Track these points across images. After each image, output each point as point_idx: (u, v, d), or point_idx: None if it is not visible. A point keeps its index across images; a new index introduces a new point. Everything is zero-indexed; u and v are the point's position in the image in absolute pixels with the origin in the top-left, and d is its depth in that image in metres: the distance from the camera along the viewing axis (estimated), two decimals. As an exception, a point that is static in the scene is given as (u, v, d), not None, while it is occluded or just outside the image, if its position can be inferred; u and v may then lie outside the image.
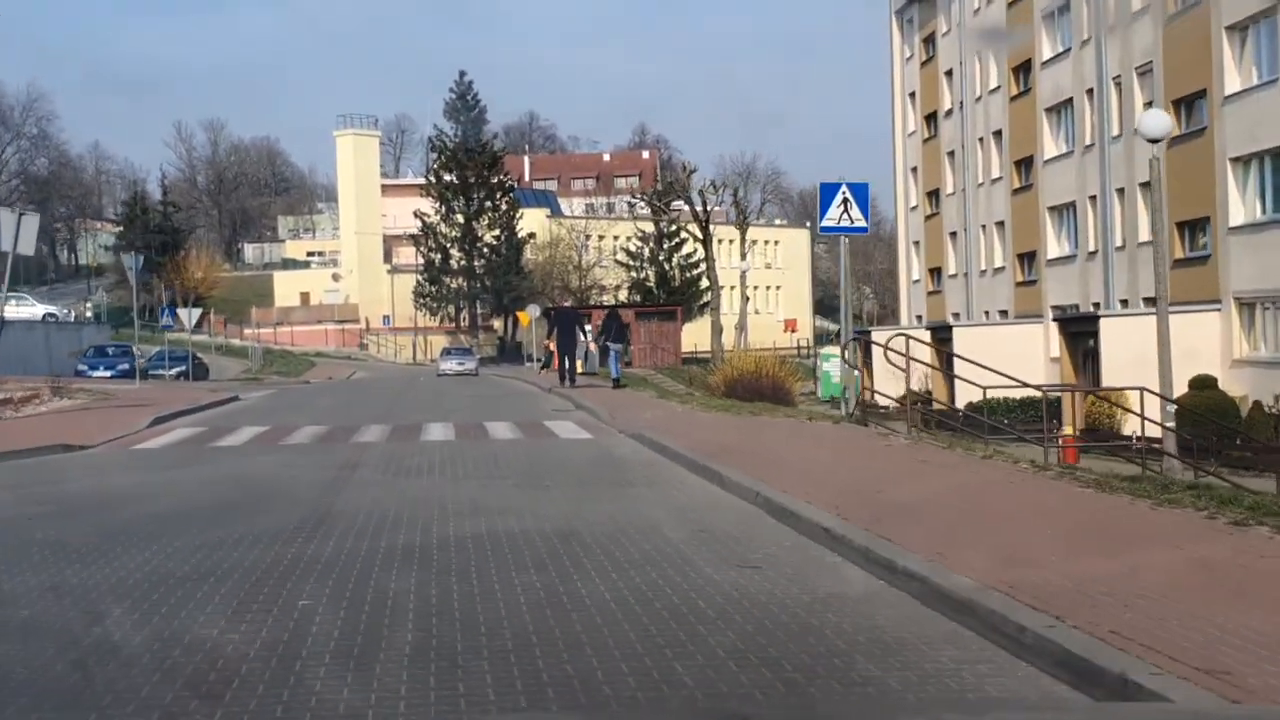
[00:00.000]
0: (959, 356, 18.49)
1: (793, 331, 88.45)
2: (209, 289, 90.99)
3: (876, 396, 45.63)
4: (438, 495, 13.09)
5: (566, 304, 38.75)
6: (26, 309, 64.81)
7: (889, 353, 18.59)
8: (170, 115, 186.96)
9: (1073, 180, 44.34)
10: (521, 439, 20.09)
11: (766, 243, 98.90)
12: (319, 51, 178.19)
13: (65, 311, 71.72)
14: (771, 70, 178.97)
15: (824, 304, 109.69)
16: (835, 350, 61.08)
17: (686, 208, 75.26)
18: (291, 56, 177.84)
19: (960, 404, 30.42)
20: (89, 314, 76.71)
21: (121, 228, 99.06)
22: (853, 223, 18.78)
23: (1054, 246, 46.30)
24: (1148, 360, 24.33)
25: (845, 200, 18.64)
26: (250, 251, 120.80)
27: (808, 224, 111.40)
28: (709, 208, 57.85)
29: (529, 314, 60.76)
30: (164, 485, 14.30)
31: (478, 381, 48.33)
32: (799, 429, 18.72)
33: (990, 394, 25.58)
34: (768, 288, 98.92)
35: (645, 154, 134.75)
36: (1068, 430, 30.02)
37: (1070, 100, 44.67)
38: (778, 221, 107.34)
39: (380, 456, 17.36)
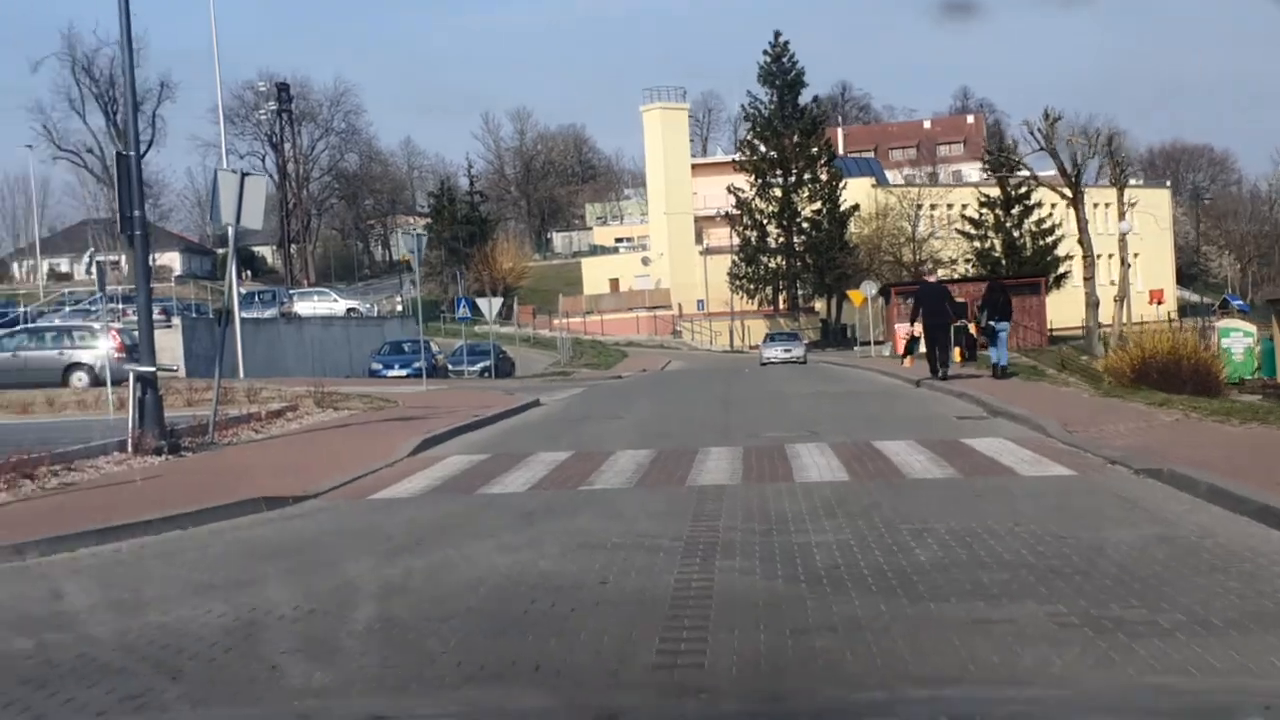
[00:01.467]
0: None
1: (1158, 303, 77.88)
2: (517, 279, 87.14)
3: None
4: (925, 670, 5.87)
5: (932, 278, 31.01)
6: (327, 304, 61.41)
7: None
8: (479, 107, 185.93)
9: None
10: (954, 477, 12.75)
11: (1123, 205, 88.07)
12: (622, 35, 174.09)
13: (369, 307, 68.32)
14: (1108, 18, 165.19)
15: (1182, 272, 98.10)
16: (1239, 324, 51.32)
17: (1026, 171, 66.36)
18: (599, 40, 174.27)
19: None
20: (398, 308, 73.25)
21: (429, 220, 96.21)
22: None
23: None
24: None
25: None
26: (559, 240, 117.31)
27: (1167, 183, 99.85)
28: (1080, 161, 49.01)
29: (862, 292, 53.27)
30: (313, 628, 7.44)
31: (813, 372, 41.20)
32: None
33: None
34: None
35: (970, 119, 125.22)
36: None
37: None
38: (1133, 182, 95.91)
39: (742, 523, 10.35)
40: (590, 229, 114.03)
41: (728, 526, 10.21)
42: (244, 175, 18.27)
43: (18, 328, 37.68)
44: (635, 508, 11.43)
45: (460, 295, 46.82)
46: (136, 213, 17.10)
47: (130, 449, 16.16)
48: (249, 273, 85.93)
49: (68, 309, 47.17)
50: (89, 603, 8.52)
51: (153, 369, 17.16)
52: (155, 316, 46.17)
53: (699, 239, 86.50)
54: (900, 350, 48.46)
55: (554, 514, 11.28)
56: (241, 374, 35.03)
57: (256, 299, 57.50)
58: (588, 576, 8.51)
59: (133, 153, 17.21)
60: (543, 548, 9.63)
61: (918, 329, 27.87)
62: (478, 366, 47.20)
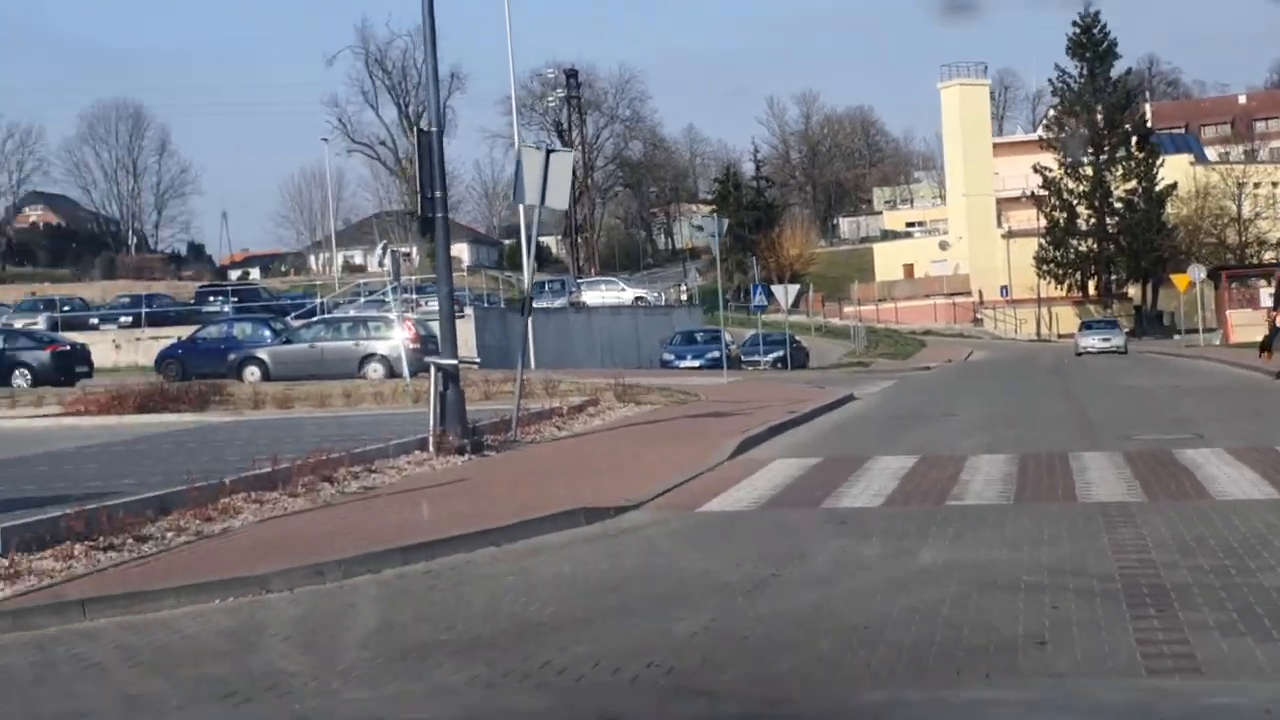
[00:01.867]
0: None
1: None
2: (804, 265, 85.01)
3: None
4: None
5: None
6: (614, 293, 60.62)
7: None
8: (763, 91, 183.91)
9: None
10: None
11: None
12: (912, 12, 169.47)
13: (656, 295, 67.32)
14: None
15: None
16: None
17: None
18: (888, 18, 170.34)
19: None
20: (683, 297, 72.24)
21: (713, 207, 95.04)
22: None
23: None
24: None
25: None
26: (845, 225, 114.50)
27: None
28: None
29: (1189, 276, 49.24)
30: (697, 702, 5.76)
31: (1142, 363, 38.01)
32: None
33: None
34: None
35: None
36: None
37: None
38: None
39: (1180, 557, 8.26)
40: (879, 213, 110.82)
41: (1164, 561, 8.11)
42: (549, 151, 16.93)
43: (315, 318, 37.71)
44: (1029, 532, 9.41)
45: (756, 282, 44.95)
46: (438, 193, 15.91)
47: (431, 448, 14.93)
48: (535, 262, 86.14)
49: (362, 299, 47.43)
50: (399, 644, 7.05)
51: (455, 362, 15.92)
52: (449, 306, 46.13)
53: (999, 221, 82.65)
54: (1231, 339, 44.54)
55: (930, 538, 9.36)
56: (533, 365, 34.17)
57: (545, 288, 57.12)
58: (1012, 631, 6.60)
59: (434, 128, 16.01)
60: (938, 586, 7.73)
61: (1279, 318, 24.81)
62: (770, 357, 45.39)
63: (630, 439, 17.17)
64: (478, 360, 20.92)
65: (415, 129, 16.35)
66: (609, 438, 17.52)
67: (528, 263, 19.13)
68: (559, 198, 16.82)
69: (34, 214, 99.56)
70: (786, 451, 15.43)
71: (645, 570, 8.76)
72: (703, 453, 14.83)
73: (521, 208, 46.26)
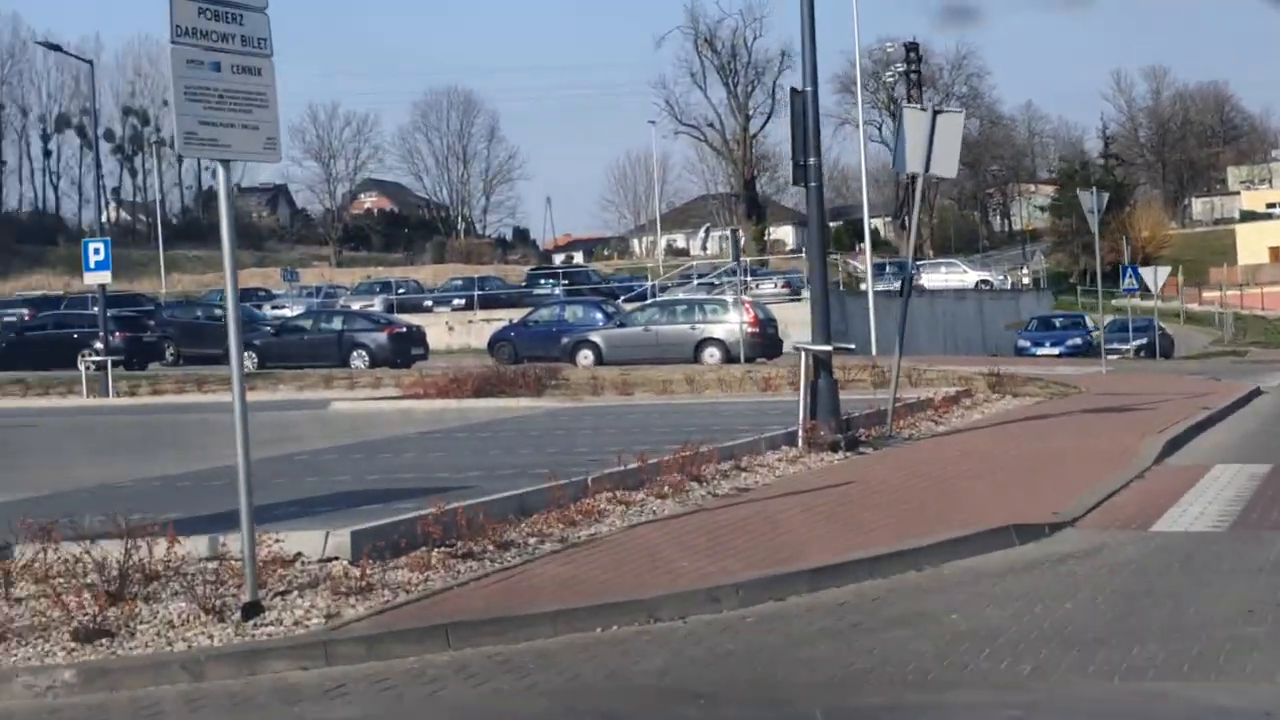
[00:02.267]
0: None
1: None
2: (1157, 248, 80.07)
3: None
4: None
5: None
6: (957, 276, 57.93)
7: None
8: (1108, 66, 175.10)
9: None
10: None
11: None
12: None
13: (1000, 278, 64.09)
14: None
15: None
16: None
17: None
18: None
19: None
20: (1025, 280, 68.68)
21: (1057, 188, 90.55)
22: None
23: None
24: None
25: None
26: (1198, 206, 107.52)
27: None
28: None
29: None
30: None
31: None
32: None
33: None
34: None
35: None
36: None
37: None
38: None
39: None
40: (1236, 193, 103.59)
41: None
42: (936, 113, 15.00)
43: (647, 301, 36.70)
44: None
45: (1126, 263, 41.76)
46: (811, 160, 14.25)
47: (801, 444, 13.28)
48: (861, 246, 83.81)
49: (694, 282, 46.33)
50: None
51: (829, 348, 14.24)
52: (778, 290, 44.46)
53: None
54: None
55: None
56: (873, 350, 32.33)
57: (885, 271, 54.88)
58: None
59: (809, 88, 14.34)
60: None
61: None
62: (1135, 344, 42.06)
63: (1023, 437, 15.13)
64: (852, 345, 19.15)
65: (791, 89, 14.72)
66: (997, 435, 15.50)
67: (910, 240, 17.32)
68: (947, 164, 14.93)
69: (369, 200, 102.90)
70: (1221, 456, 13.15)
71: (1128, 614, 6.85)
72: (1117, 455, 12.74)
73: (865, 181, 44.53)
